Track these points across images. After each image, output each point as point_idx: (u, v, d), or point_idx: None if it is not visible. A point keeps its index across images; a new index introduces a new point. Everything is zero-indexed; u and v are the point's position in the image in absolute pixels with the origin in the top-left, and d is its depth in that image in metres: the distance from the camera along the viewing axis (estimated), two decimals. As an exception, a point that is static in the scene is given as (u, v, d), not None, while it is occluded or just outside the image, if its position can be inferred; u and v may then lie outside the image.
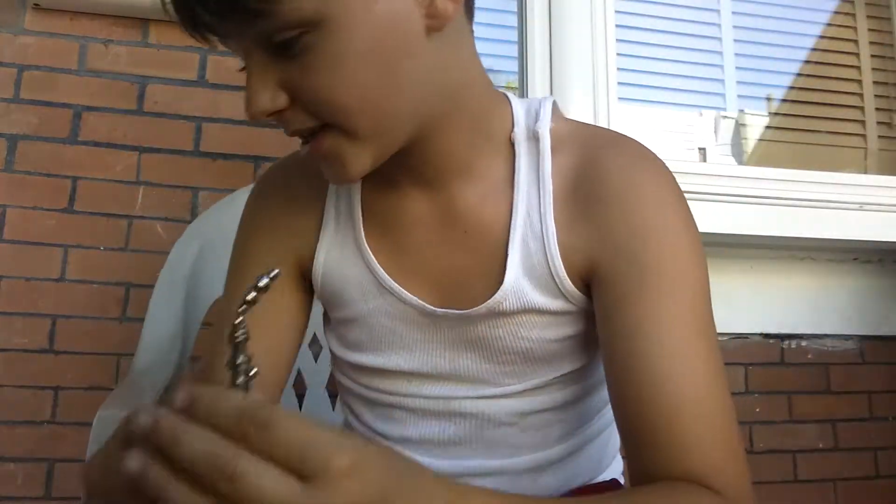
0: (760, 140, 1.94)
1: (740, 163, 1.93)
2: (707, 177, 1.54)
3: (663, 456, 0.48)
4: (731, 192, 1.50)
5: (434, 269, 0.61)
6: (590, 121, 1.47)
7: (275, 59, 0.49)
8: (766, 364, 1.57)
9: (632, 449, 0.51)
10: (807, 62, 1.91)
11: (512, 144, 0.60)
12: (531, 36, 1.50)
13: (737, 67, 1.82)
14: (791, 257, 1.61)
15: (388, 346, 0.64)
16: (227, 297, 0.67)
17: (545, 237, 0.57)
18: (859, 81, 1.87)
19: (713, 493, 0.46)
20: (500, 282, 0.58)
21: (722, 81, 1.83)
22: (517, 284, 0.58)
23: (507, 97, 0.64)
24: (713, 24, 1.81)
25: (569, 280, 0.57)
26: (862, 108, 1.86)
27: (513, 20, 1.58)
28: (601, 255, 0.55)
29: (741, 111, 1.92)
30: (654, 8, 1.75)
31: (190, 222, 1.37)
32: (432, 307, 0.61)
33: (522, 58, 1.52)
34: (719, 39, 1.82)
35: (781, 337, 1.59)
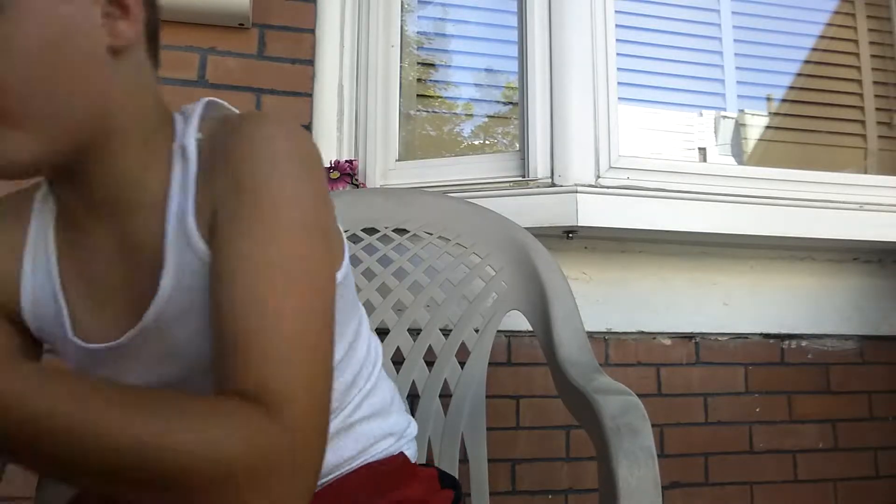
0: (760, 140, 1.95)
1: (740, 163, 1.93)
2: (707, 177, 1.54)
3: (230, 368, 0.49)
4: (731, 192, 1.50)
5: (102, 282, 0.63)
6: (590, 121, 1.47)
7: None
8: (766, 364, 1.58)
9: (214, 360, 0.52)
10: (807, 62, 1.91)
11: (171, 158, 0.61)
12: (531, 36, 1.51)
13: (737, 67, 1.82)
14: (791, 257, 1.61)
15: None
16: None
17: (188, 233, 0.58)
18: (859, 81, 1.87)
19: (257, 406, 0.47)
20: (155, 293, 0.59)
21: (722, 81, 1.83)
22: (174, 288, 0.58)
23: (172, 115, 0.64)
24: (713, 24, 1.82)
25: (202, 244, 0.57)
26: (862, 108, 1.87)
27: (513, 20, 1.58)
28: (215, 209, 0.56)
29: (741, 111, 1.92)
30: (654, 8, 1.76)
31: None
32: (95, 345, 0.62)
33: (522, 58, 1.52)
34: (719, 39, 1.82)
35: (781, 337, 1.59)
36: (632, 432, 0.78)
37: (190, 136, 0.60)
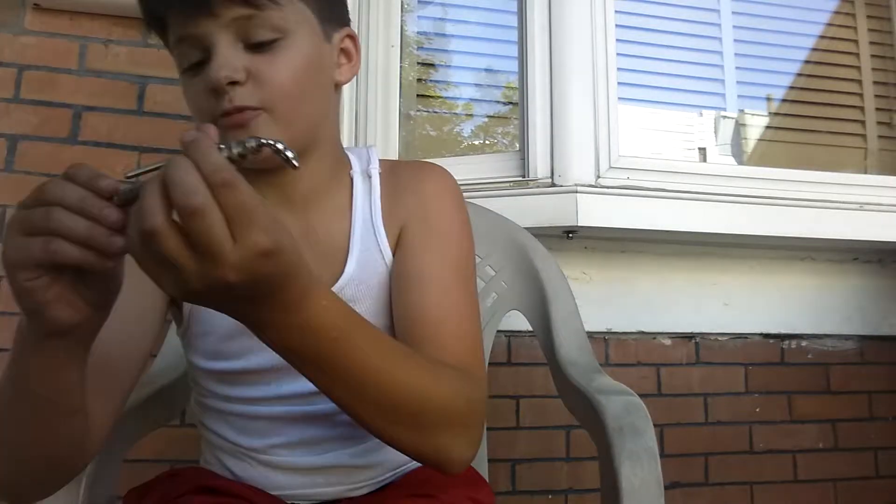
0: (760, 140, 1.95)
1: (740, 163, 1.93)
2: (707, 177, 1.54)
3: (432, 345, 0.68)
4: (731, 192, 1.50)
5: None
6: (590, 121, 1.47)
7: (243, 49, 0.67)
8: (766, 364, 1.58)
9: (411, 338, 0.70)
10: (807, 62, 1.91)
11: (351, 179, 0.80)
12: (531, 36, 1.51)
13: (737, 67, 1.82)
14: (791, 257, 1.61)
15: (247, 349, 0.73)
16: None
17: (377, 236, 0.77)
18: (859, 81, 1.87)
19: (459, 369, 0.66)
20: (339, 277, 0.74)
21: (722, 81, 1.83)
22: (355, 275, 0.74)
23: (343, 148, 0.85)
24: (713, 24, 1.82)
25: (390, 252, 0.76)
26: (862, 108, 1.87)
27: (513, 20, 1.58)
28: (404, 224, 0.77)
29: (741, 111, 1.92)
30: (654, 8, 1.76)
31: (190, 222, 1.38)
32: None
33: (522, 58, 1.52)
34: (719, 39, 1.82)
35: (781, 337, 1.59)
36: (634, 433, 0.78)
37: (374, 166, 0.81)
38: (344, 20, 0.78)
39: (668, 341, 1.54)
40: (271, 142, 0.47)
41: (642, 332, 1.52)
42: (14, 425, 0.56)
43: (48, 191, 0.46)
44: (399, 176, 0.81)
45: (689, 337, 1.55)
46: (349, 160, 0.82)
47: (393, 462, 0.78)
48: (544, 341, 1.08)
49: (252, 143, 0.47)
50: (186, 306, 0.77)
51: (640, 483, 0.74)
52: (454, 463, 0.63)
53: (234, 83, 0.65)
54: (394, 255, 0.76)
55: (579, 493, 1.44)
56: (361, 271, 0.74)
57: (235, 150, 0.46)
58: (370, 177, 0.80)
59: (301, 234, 0.74)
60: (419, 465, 0.77)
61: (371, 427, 0.59)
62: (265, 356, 0.69)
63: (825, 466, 1.56)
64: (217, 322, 0.74)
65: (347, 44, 0.78)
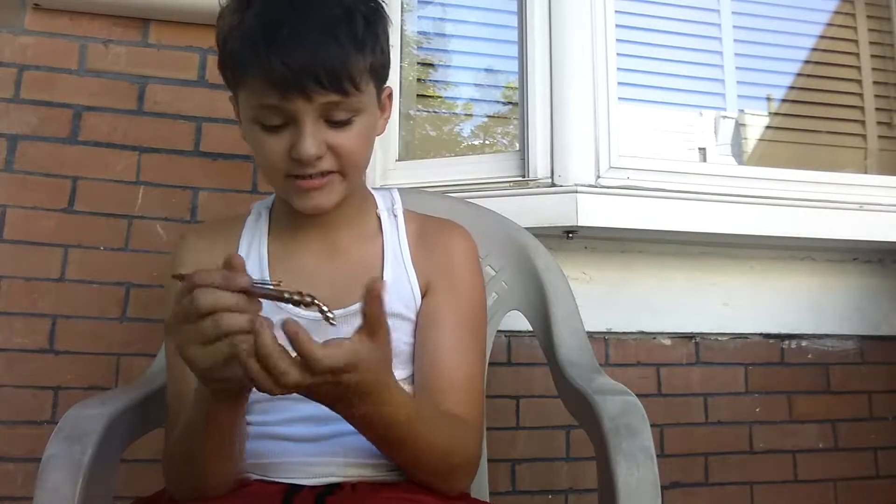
0: (760, 140, 1.95)
1: (740, 163, 1.93)
2: (707, 177, 1.54)
3: (438, 400, 0.80)
4: (731, 192, 1.50)
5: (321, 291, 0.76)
6: (590, 121, 1.47)
7: (324, 125, 0.77)
8: (766, 364, 1.57)
9: (421, 396, 0.82)
10: (807, 62, 1.91)
11: (378, 217, 0.92)
12: (531, 36, 1.51)
13: (737, 67, 1.82)
14: (791, 257, 1.61)
15: None
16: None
17: (406, 269, 0.88)
18: (859, 81, 1.87)
19: (466, 422, 0.80)
20: None
21: (722, 81, 1.83)
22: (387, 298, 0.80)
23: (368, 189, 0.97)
24: (713, 24, 1.82)
25: (419, 293, 0.88)
26: (862, 108, 1.87)
27: (513, 20, 1.58)
28: (431, 275, 0.88)
29: (741, 111, 1.92)
30: (654, 8, 1.75)
31: (190, 222, 1.38)
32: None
33: (522, 58, 1.52)
34: (719, 39, 1.82)
35: (781, 337, 1.59)
36: (631, 433, 0.78)
37: (398, 206, 0.94)
38: (387, 78, 0.87)
39: (668, 341, 1.54)
40: (318, 303, 0.60)
41: (642, 332, 1.52)
42: (196, 461, 0.71)
43: (201, 304, 0.58)
44: (426, 229, 0.92)
45: (689, 337, 1.55)
46: (374, 198, 0.94)
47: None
48: (544, 341, 1.08)
49: (308, 299, 0.60)
50: None
51: (637, 483, 0.74)
52: (456, 492, 0.79)
53: (317, 157, 0.77)
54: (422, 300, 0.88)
55: (579, 493, 1.44)
56: (395, 296, 0.85)
57: (287, 295, 0.60)
58: (396, 216, 0.93)
59: (327, 254, 0.88)
60: None
61: (400, 466, 0.77)
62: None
63: (825, 466, 1.56)
64: None
65: (385, 99, 0.87)
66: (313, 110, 0.75)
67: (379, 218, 0.92)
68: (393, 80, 1.58)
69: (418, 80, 1.72)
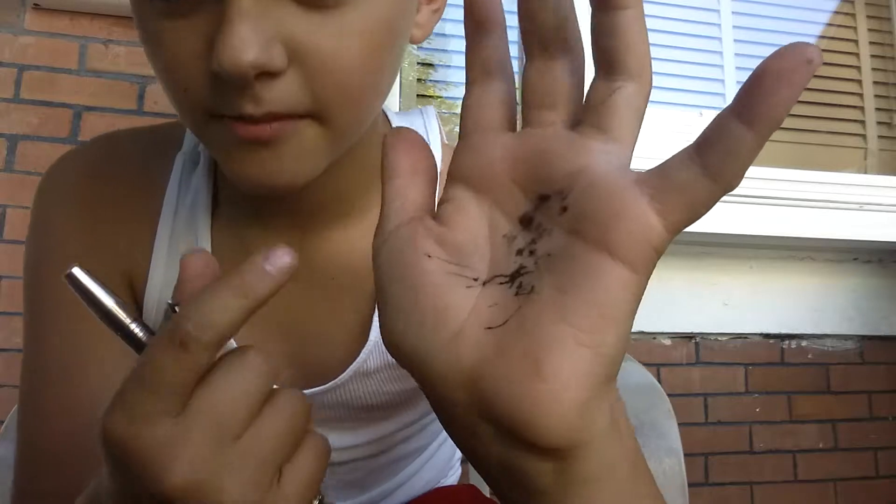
0: (760, 140, 1.94)
1: (740, 163, 1.93)
2: (707, 177, 1.54)
3: None
4: (732, 191, 1.49)
5: (288, 321, 0.50)
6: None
7: (284, 10, 0.35)
8: (766, 364, 1.57)
9: None
10: (807, 62, 1.91)
11: None
12: (531, 36, 1.50)
13: (737, 67, 1.82)
14: (791, 257, 1.61)
15: None
16: (61, 335, 0.52)
17: None
18: (859, 81, 1.87)
19: None
20: (366, 337, 0.49)
21: (722, 81, 1.83)
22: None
23: (384, 113, 0.53)
24: (713, 24, 1.82)
25: None
26: (862, 108, 1.87)
27: (513, 20, 1.58)
28: None
29: (741, 111, 1.92)
30: (654, 8, 1.75)
31: (190, 222, 1.38)
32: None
33: (523, 58, 1.52)
34: (719, 39, 1.82)
35: (781, 337, 1.59)
36: (657, 433, 0.73)
37: (435, 137, 0.60)
38: None
39: (668, 341, 1.54)
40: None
41: (642, 332, 1.52)
42: None
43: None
44: None
45: (689, 337, 1.55)
46: None
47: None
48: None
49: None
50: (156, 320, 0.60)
51: (663, 481, 0.72)
52: None
53: (265, 74, 0.35)
54: None
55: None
56: None
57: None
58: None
59: (304, 263, 0.43)
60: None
61: None
62: None
63: (825, 466, 1.56)
64: None
65: None
66: None
67: None
68: (393, 80, 1.59)
69: (418, 80, 1.72)
